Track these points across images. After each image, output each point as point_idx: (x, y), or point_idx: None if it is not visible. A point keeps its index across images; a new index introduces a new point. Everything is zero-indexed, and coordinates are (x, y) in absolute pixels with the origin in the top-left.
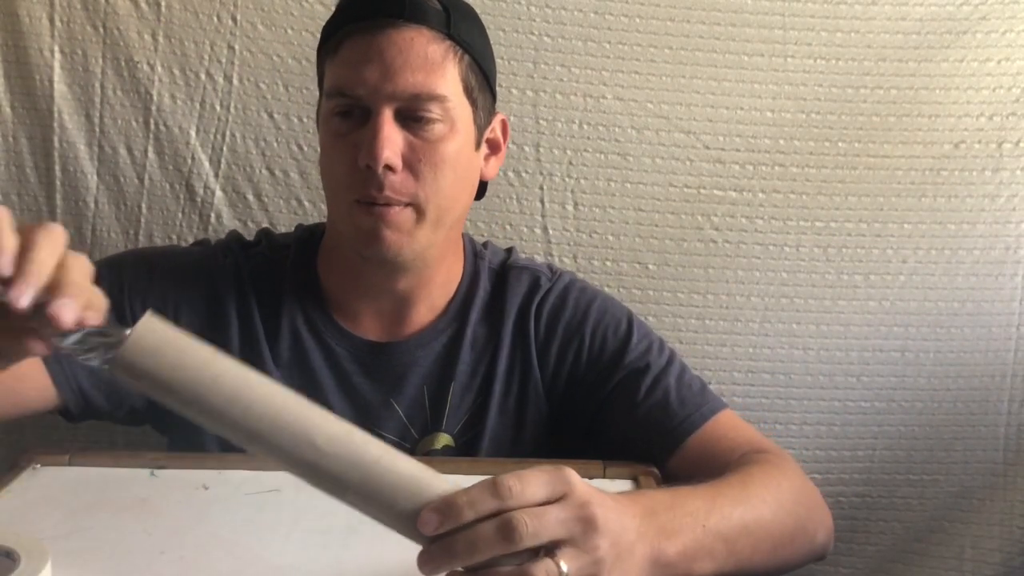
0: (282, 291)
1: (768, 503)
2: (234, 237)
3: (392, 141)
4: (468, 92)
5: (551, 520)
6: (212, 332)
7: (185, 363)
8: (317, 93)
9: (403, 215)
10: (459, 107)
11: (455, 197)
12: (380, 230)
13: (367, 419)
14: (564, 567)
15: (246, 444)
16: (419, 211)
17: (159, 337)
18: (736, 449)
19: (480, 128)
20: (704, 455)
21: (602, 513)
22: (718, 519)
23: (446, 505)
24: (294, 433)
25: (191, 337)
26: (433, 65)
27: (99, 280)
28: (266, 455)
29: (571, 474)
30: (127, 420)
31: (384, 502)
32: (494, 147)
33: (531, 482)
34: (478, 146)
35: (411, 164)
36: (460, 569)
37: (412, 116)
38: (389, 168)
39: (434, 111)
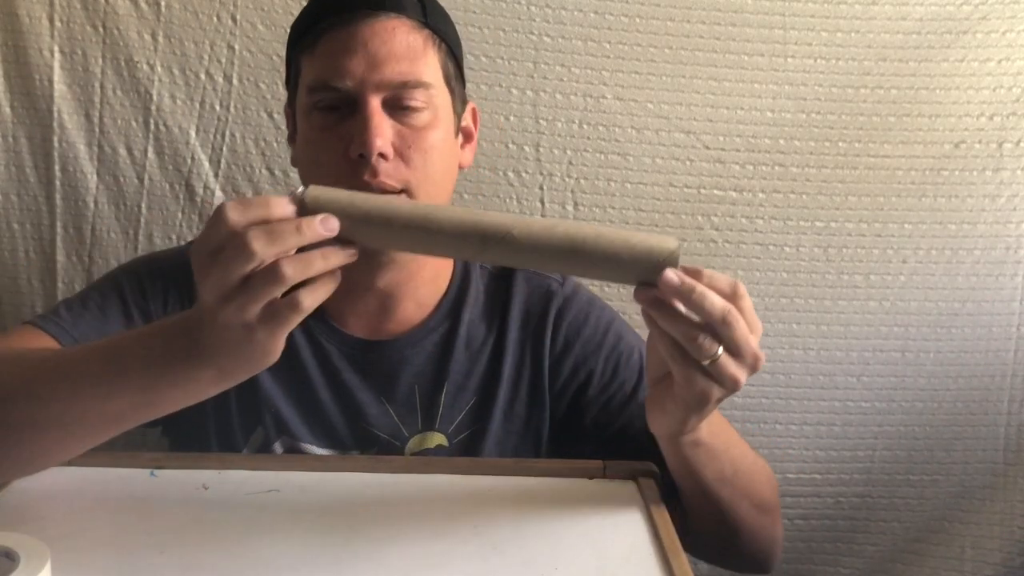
0: None
1: (761, 469)
2: None
3: (383, 129)
4: (447, 80)
5: (754, 350)
6: None
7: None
8: None
9: None
10: (440, 95)
11: (443, 184)
12: None
13: (358, 417)
14: (720, 358)
15: (442, 228)
16: (412, 197)
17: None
18: None
19: (458, 116)
20: None
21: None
22: (737, 453)
23: (691, 287)
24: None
25: None
26: (416, 53)
27: (121, 287)
28: (466, 232)
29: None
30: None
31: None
32: (467, 135)
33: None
34: (457, 134)
35: (401, 152)
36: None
37: (399, 105)
38: (382, 156)
39: (419, 99)
